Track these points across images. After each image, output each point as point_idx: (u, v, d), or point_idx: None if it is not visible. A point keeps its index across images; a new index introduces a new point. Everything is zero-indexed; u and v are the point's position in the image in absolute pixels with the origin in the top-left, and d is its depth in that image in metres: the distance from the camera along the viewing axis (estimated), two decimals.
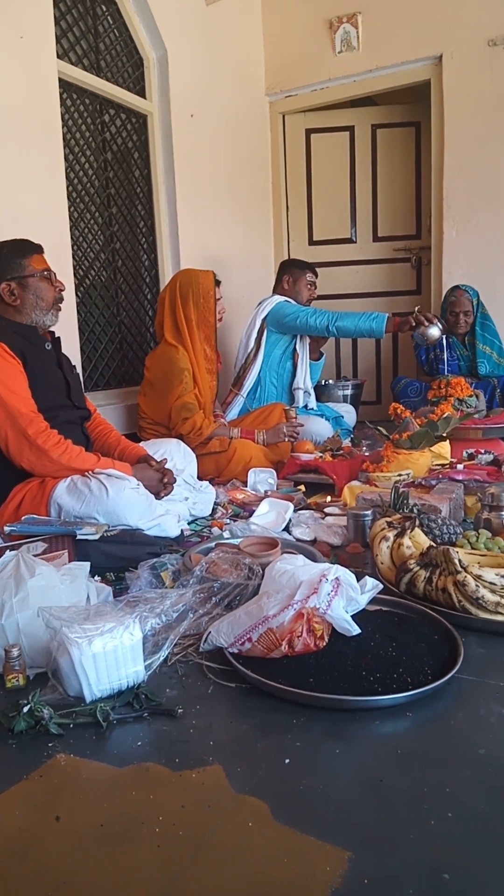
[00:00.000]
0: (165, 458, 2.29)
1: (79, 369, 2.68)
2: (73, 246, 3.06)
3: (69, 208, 2.99)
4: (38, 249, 2.10)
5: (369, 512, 1.95)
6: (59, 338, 2.24)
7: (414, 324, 3.19)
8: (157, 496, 2.11)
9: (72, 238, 3.03)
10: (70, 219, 3.00)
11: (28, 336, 2.06)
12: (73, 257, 3.05)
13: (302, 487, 2.59)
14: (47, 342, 2.14)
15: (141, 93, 3.53)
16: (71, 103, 3.11)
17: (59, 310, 2.15)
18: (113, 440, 2.33)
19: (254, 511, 2.22)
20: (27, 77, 2.67)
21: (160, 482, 2.13)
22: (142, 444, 2.48)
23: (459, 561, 1.42)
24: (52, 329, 2.18)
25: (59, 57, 2.89)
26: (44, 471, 1.93)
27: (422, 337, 3.20)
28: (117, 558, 1.77)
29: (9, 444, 1.91)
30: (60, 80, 2.89)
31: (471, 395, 3.08)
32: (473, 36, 3.84)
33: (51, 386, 2.09)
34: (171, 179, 3.66)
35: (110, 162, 3.38)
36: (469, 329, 3.73)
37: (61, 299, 2.15)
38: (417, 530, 1.66)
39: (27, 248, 2.07)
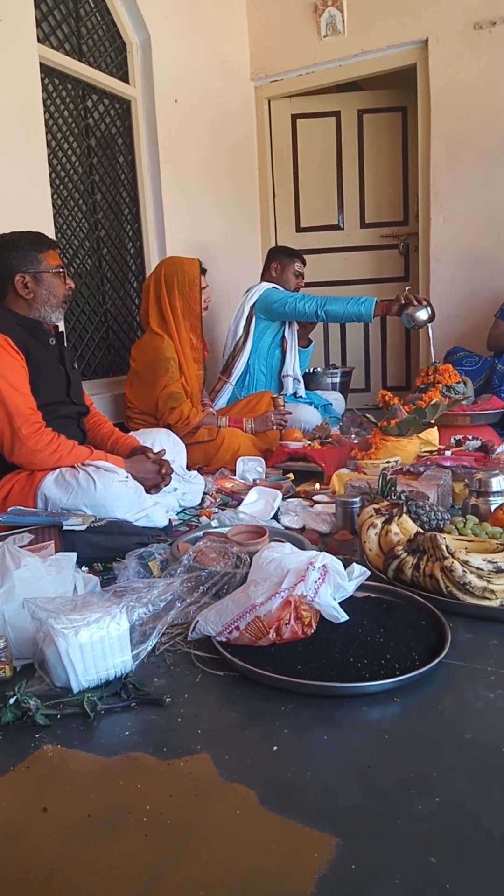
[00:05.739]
0: (164, 450, 2.27)
1: None
2: (56, 234, 3.02)
3: (52, 195, 2.95)
4: (53, 245, 2.10)
5: (357, 499, 1.95)
6: (62, 332, 2.22)
7: (403, 302, 3.18)
8: (156, 488, 2.09)
9: (55, 226, 2.99)
10: (53, 206, 2.96)
11: (33, 330, 2.04)
12: (58, 245, 3.01)
13: (290, 475, 2.59)
14: (51, 337, 2.12)
15: (124, 78, 3.48)
16: (53, 88, 3.06)
17: (66, 307, 2.15)
18: (106, 432, 2.32)
19: (242, 500, 2.21)
20: (7, 62, 2.62)
21: (158, 474, 2.11)
22: (132, 433, 2.47)
23: (447, 547, 1.42)
24: (56, 324, 2.17)
25: (39, 41, 2.84)
26: (35, 468, 1.93)
27: (410, 318, 3.19)
28: (104, 549, 1.76)
29: (3, 439, 1.90)
30: (41, 64, 2.84)
31: (458, 382, 3.07)
32: (459, 20, 3.81)
33: (51, 382, 2.08)
34: (155, 166, 3.62)
35: (94, 148, 3.33)
36: None
37: (70, 298, 2.14)
38: (405, 517, 1.67)
39: (44, 243, 2.07)
